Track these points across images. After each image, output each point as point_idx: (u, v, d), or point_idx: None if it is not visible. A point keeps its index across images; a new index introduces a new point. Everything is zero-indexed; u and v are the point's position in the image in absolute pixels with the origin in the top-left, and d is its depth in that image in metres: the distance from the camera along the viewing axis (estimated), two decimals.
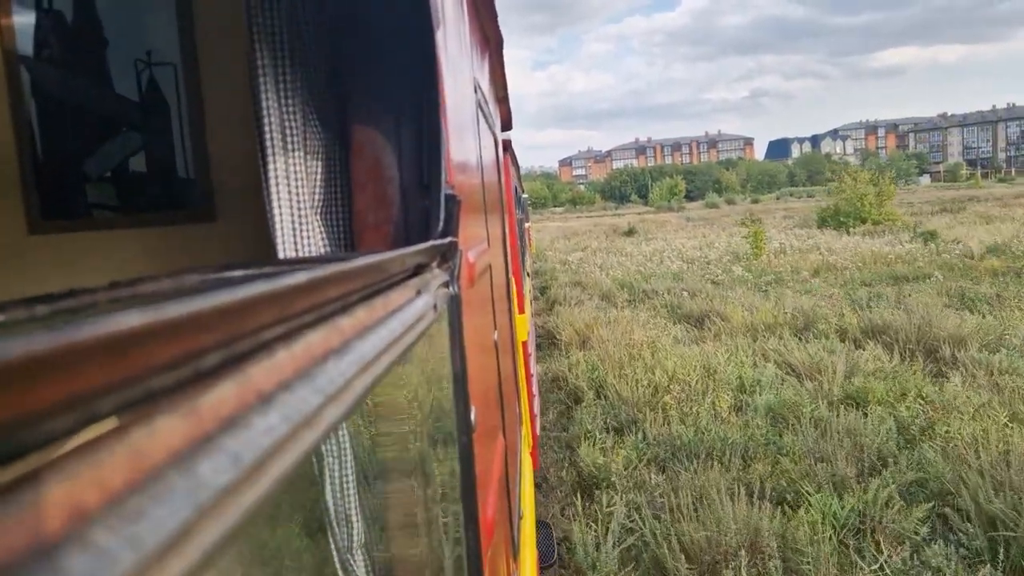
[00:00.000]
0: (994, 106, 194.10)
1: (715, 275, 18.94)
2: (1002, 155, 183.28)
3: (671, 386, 8.70)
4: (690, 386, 8.68)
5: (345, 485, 1.12)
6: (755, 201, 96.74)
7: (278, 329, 0.44)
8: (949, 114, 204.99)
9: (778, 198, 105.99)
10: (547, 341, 12.70)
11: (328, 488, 1.10)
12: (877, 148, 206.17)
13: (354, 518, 1.12)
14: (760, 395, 8.25)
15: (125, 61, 2.22)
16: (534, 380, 6.51)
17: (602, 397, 8.90)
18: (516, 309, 4.31)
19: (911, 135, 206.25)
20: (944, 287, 14.46)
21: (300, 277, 0.47)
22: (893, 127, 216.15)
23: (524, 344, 4.59)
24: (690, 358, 9.69)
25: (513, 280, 4.10)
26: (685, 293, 15.42)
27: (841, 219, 32.67)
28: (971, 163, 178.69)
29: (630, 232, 41.43)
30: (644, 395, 8.47)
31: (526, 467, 3.63)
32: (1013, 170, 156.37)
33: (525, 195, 18.68)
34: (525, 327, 4.99)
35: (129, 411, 0.29)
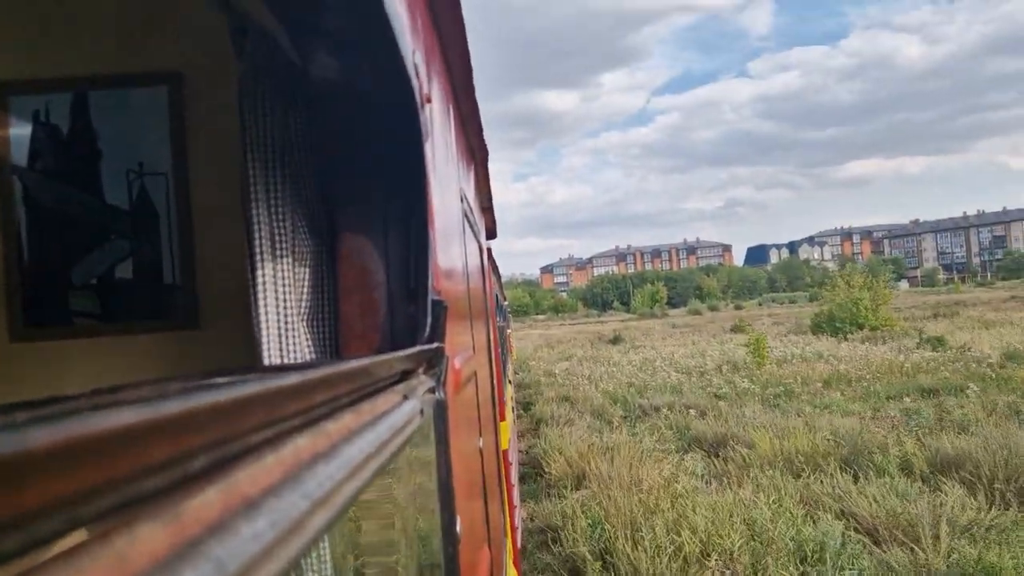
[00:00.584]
0: (965, 213, 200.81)
1: (717, 387, 17.67)
2: (976, 259, 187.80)
3: (708, 557, 6.47)
4: (733, 556, 6.44)
5: None
6: (738, 307, 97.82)
7: (266, 433, 0.43)
8: (921, 220, 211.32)
9: (760, 304, 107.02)
10: (532, 472, 11.01)
11: None
12: (853, 254, 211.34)
13: None
14: (834, 571, 6.08)
15: (117, 171, 2.26)
16: (515, 490, 6.37)
17: (611, 571, 6.69)
18: (498, 416, 4.26)
19: (885, 241, 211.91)
20: (986, 401, 12.79)
21: (288, 380, 0.46)
22: (867, 233, 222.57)
23: (505, 453, 4.52)
24: (723, 508, 7.40)
25: (496, 386, 4.08)
26: (691, 411, 14.03)
27: (837, 325, 31.90)
28: (946, 268, 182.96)
29: (616, 340, 40.69)
30: (671, 571, 6.32)
31: None
32: (989, 274, 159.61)
33: (506, 302, 18.70)
34: (507, 435, 4.92)
35: (112, 516, 0.27)
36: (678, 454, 10.91)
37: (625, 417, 14.79)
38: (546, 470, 10.60)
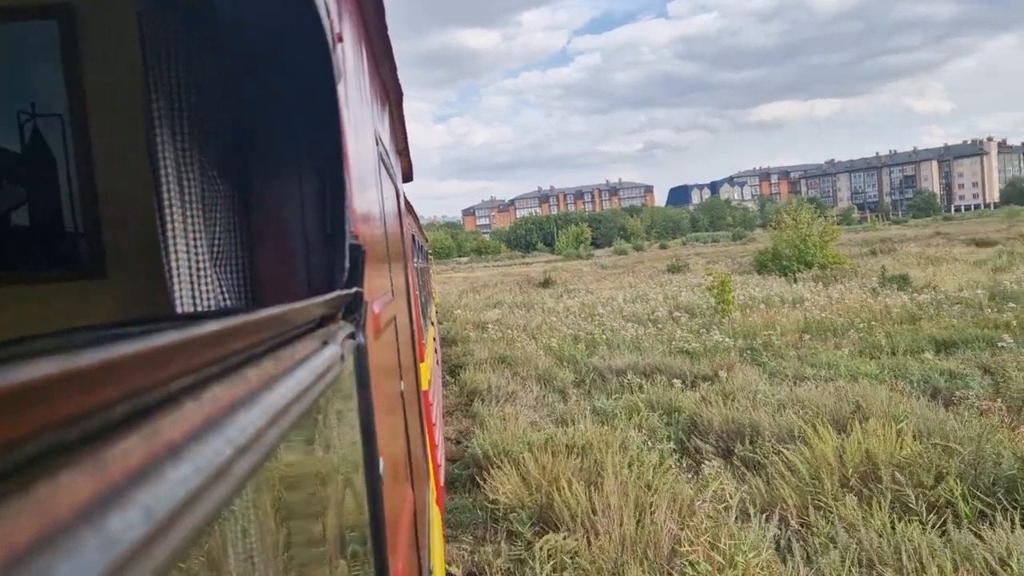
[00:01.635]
0: (877, 153, 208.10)
1: (683, 341, 14.71)
2: (888, 198, 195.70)
3: None
4: None
5: (241, 544, 1.08)
6: (663, 247, 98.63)
7: (184, 381, 0.44)
8: (836, 161, 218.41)
9: (684, 243, 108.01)
10: (468, 482, 7.62)
11: (223, 547, 1.06)
12: (771, 193, 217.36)
13: None
14: None
15: (6, 112, 2.13)
16: (437, 429, 6.46)
17: None
18: (418, 358, 4.30)
19: (803, 181, 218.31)
20: None
21: (206, 328, 0.47)
22: (785, 174, 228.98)
23: (426, 394, 4.57)
24: None
25: (415, 330, 4.10)
26: (675, 381, 10.60)
27: (784, 263, 29.75)
28: (860, 207, 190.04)
29: (546, 283, 37.00)
30: None
31: (434, 519, 3.58)
32: (900, 212, 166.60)
33: (425, 244, 17.58)
34: (427, 376, 4.97)
35: (32, 467, 0.28)
36: (681, 458, 7.71)
37: (579, 384, 12.05)
38: (487, 488, 6.88)
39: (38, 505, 0.26)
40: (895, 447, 6.57)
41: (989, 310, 14.91)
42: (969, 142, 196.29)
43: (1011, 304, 15.07)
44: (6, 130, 2.13)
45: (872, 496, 5.90)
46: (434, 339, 9.85)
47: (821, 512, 5.85)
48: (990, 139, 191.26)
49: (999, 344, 11.36)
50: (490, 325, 20.07)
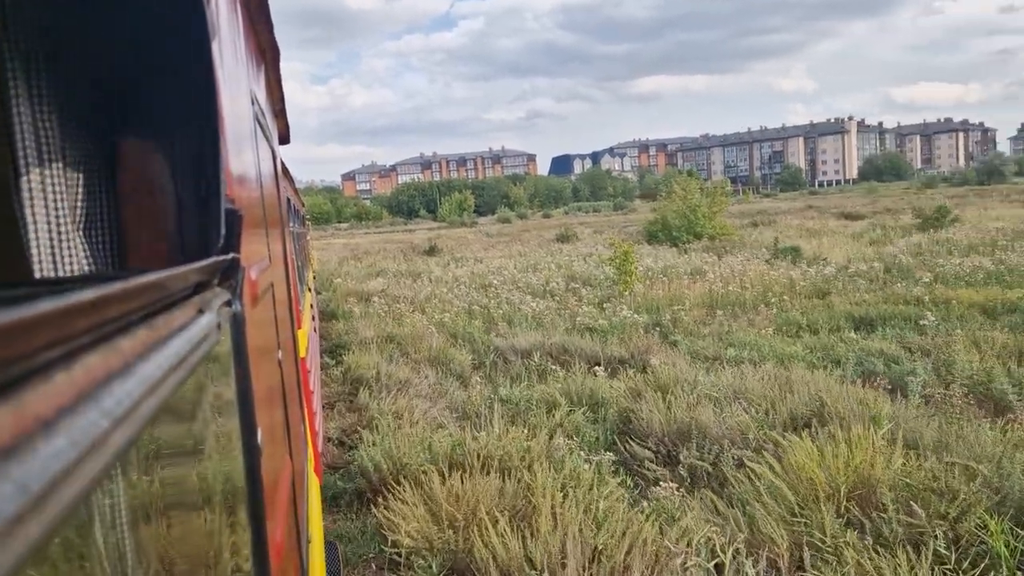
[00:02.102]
0: (749, 128, 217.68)
1: (588, 317, 13.63)
2: (757, 172, 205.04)
3: None
4: None
5: (116, 519, 1.05)
6: (546, 216, 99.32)
7: (54, 352, 0.42)
8: (711, 135, 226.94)
9: (567, 212, 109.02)
10: (358, 505, 6.32)
11: (97, 522, 1.03)
12: (650, 165, 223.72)
13: (128, 553, 1.05)
14: None
15: None
16: (315, 397, 6.39)
17: None
18: (296, 325, 4.23)
19: (679, 154, 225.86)
20: (974, 337, 9.76)
21: (76, 297, 0.45)
22: (663, 146, 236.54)
23: (303, 361, 4.51)
24: None
25: (293, 296, 4.01)
26: (598, 368, 9.51)
27: (674, 234, 29.82)
28: (732, 180, 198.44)
29: (432, 251, 35.34)
30: None
31: (313, 487, 3.55)
32: (769, 186, 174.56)
33: (303, 209, 16.59)
34: (304, 343, 4.89)
35: None
36: (619, 469, 6.46)
37: (479, 366, 11.02)
38: (382, 518, 5.41)
39: None
40: (888, 462, 5.38)
41: (893, 284, 15.07)
42: (832, 120, 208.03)
43: (906, 278, 15.44)
44: None
45: (883, 533, 4.71)
46: (312, 306, 9.60)
47: (820, 555, 4.60)
48: (851, 118, 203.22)
49: (921, 322, 10.92)
50: (375, 297, 18.34)
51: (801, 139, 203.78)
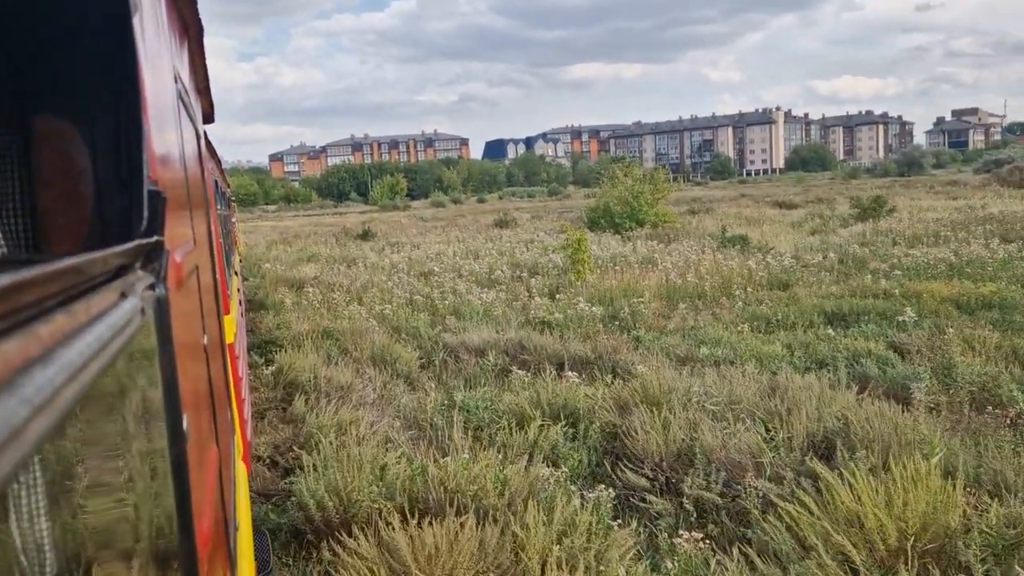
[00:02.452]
0: (680, 117, 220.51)
1: (542, 310, 12.67)
2: (688, 160, 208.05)
3: None
4: None
5: (34, 509, 1.02)
6: (480, 200, 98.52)
7: None
8: (643, 122, 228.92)
9: (501, 197, 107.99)
10: (292, 550, 5.22)
11: (13, 515, 0.99)
12: (582, 151, 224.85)
13: (46, 547, 1.02)
14: None
15: None
16: (244, 383, 6.27)
17: None
18: (223, 310, 4.15)
19: (611, 140, 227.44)
20: (963, 336, 8.95)
21: (5, 294, 0.43)
22: (595, 133, 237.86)
23: (231, 347, 4.42)
24: None
25: (219, 280, 3.93)
26: (573, 375, 8.27)
27: (616, 220, 29.19)
28: (663, 167, 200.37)
29: (366, 235, 34.10)
30: None
31: (240, 475, 3.50)
32: (699, 174, 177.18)
33: (228, 190, 15.86)
34: (232, 329, 4.79)
35: None
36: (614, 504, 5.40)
37: (426, 365, 10.12)
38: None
39: None
40: (948, 502, 4.31)
41: (852, 276, 14.63)
42: (760, 111, 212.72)
43: (860, 269, 15.24)
44: None
45: None
46: (239, 291, 9.38)
47: None
48: (778, 109, 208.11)
49: (900, 319, 10.15)
50: (308, 286, 17.17)
51: (730, 128, 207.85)
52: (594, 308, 12.38)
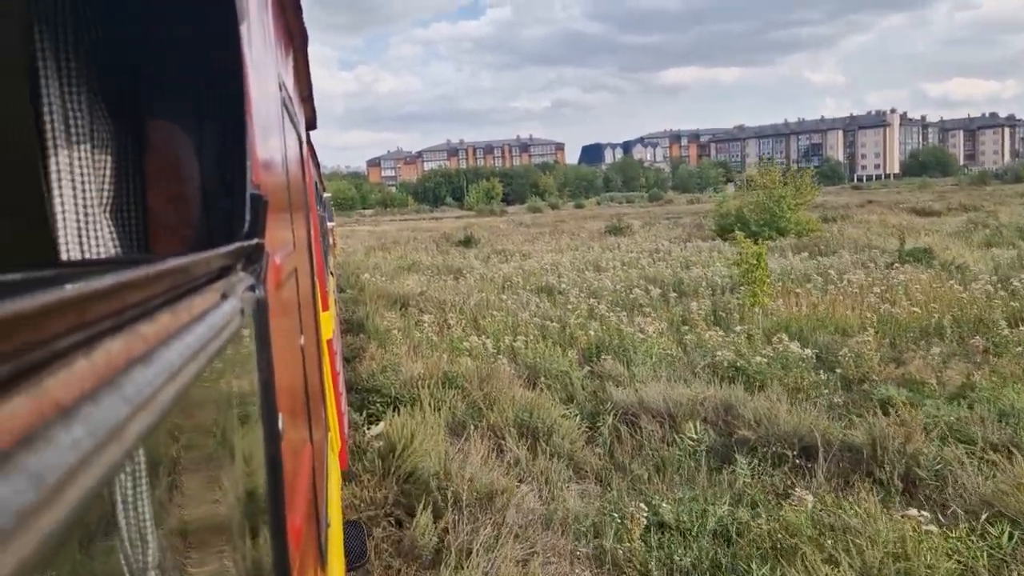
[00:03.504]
0: (786, 120, 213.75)
1: (731, 349, 9.57)
2: (794, 166, 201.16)
3: None
4: None
5: (138, 500, 1.06)
6: (579, 206, 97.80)
7: (75, 337, 0.42)
8: (745, 126, 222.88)
9: (599, 203, 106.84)
10: None
11: (120, 504, 1.04)
12: (681, 156, 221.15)
13: (149, 536, 1.06)
14: None
15: None
16: (340, 379, 6.44)
17: None
18: (320, 307, 4.28)
19: (712, 145, 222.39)
20: None
21: (99, 282, 0.44)
22: (695, 137, 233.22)
23: (329, 342, 4.54)
24: None
25: (317, 280, 4.05)
26: (924, 515, 4.85)
27: (754, 229, 24.64)
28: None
29: (468, 242, 31.55)
30: None
31: (333, 471, 3.58)
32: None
33: (327, 194, 14.93)
34: (330, 325, 4.92)
35: None
36: None
37: (592, 436, 7.41)
38: None
39: None
40: None
41: None
42: (873, 113, 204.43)
43: None
44: None
45: None
46: (333, 289, 9.59)
47: None
48: (893, 111, 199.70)
49: None
50: (413, 303, 14.79)
51: (840, 132, 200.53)
52: (805, 350, 9.11)
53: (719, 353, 9.43)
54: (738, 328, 10.82)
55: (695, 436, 6.87)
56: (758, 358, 8.91)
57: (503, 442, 7.07)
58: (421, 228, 51.62)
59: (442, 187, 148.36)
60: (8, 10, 1.99)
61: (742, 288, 13.10)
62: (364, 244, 35.13)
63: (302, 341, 2.18)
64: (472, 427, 7.43)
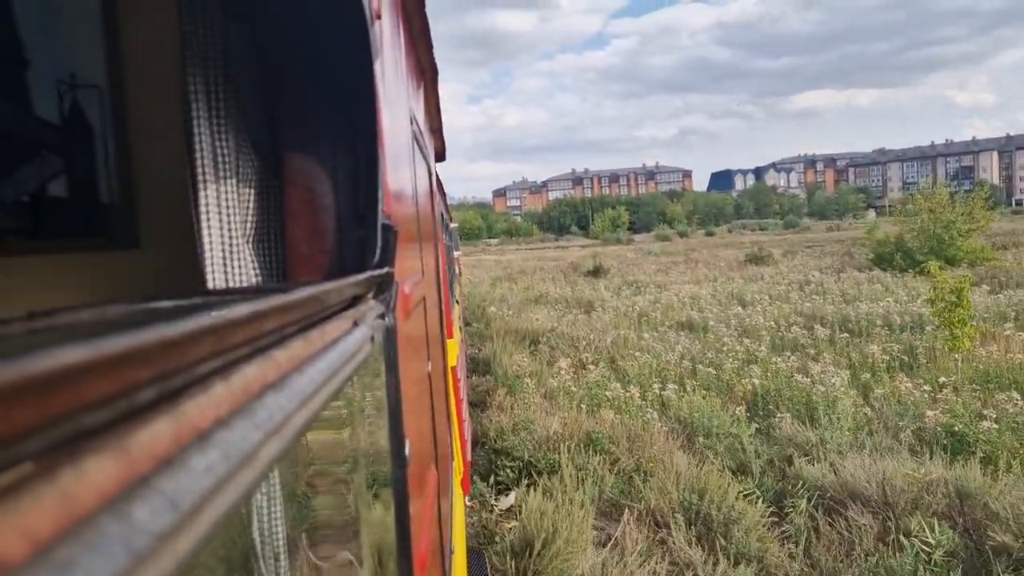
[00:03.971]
0: (932, 142, 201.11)
1: (947, 411, 7.53)
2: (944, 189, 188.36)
3: None
4: None
5: (273, 523, 1.09)
6: (709, 234, 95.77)
7: (214, 363, 0.43)
8: (886, 149, 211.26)
9: (730, 231, 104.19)
10: None
11: (256, 526, 1.07)
12: (816, 181, 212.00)
13: (282, 558, 1.09)
14: None
15: (46, 82, 2.15)
16: (464, 405, 6.51)
17: None
18: (446, 334, 4.35)
19: (850, 169, 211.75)
20: None
21: (240, 310, 0.46)
22: (831, 161, 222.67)
23: (454, 369, 4.61)
24: None
25: (443, 308, 4.13)
26: None
27: (917, 258, 22.22)
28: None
29: (597, 272, 29.68)
30: None
31: (457, 498, 3.61)
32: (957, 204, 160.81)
33: (455, 224, 15.16)
34: (455, 352, 5.00)
35: (56, 452, 0.27)
36: None
37: (778, 521, 5.97)
38: None
39: (62, 494, 0.25)
40: None
41: None
42: None
43: None
44: (46, 100, 2.16)
45: None
46: (458, 316, 9.73)
47: None
48: None
49: None
50: (543, 339, 13.64)
51: (994, 153, 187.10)
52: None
53: (928, 413, 7.48)
54: (941, 379, 8.94)
55: (932, 539, 5.01)
56: (985, 423, 6.82)
57: (667, 533, 5.58)
58: (547, 257, 51.25)
59: (567, 216, 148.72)
60: (166, 53, 2.16)
61: (933, 328, 11.22)
62: (490, 274, 34.70)
63: (429, 368, 2.22)
64: (624, 499, 6.23)
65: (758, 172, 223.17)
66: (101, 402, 0.30)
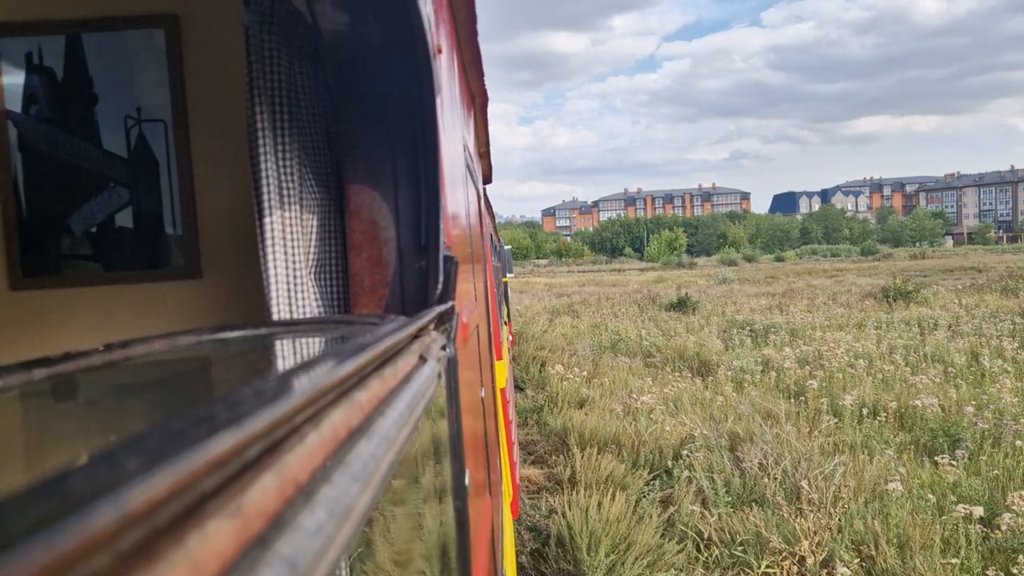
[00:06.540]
0: (1012, 166, 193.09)
1: None
2: (1022, 217, 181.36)
3: None
4: None
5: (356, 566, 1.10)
6: (779, 259, 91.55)
7: (307, 412, 0.43)
8: (960, 173, 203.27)
9: (800, 256, 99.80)
10: None
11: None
12: (883, 206, 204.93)
13: None
14: None
15: (114, 117, 2.24)
16: (513, 426, 6.50)
17: None
18: (495, 356, 4.35)
19: (921, 194, 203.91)
20: None
21: (329, 361, 0.46)
22: (899, 186, 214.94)
23: (503, 391, 4.61)
24: None
25: (493, 330, 4.13)
26: None
27: None
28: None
29: (682, 305, 23.57)
30: None
31: (507, 521, 3.60)
32: None
33: (505, 246, 14.35)
34: (504, 374, 5.00)
35: (182, 518, 0.28)
36: None
37: None
38: None
39: (190, 560, 0.26)
40: None
41: None
42: None
43: None
44: (114, 134, 2.24)
45: None
46: (506, 338, 9.69)
47: None
48: None
49: None
50: (648, 448, 7.79)
51: None
52: None
53: None
54: None
55: None
56: None
57: None
58: (604, 282, 46.06)
59: (620, 237, 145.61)
60: (228, 88, 2.23)
61: None
62: (543, 303, 28.86)
63: (483, 393, 2.23)
64: None
65: (824, 194, 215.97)
66: (217, 464, 0.31)
